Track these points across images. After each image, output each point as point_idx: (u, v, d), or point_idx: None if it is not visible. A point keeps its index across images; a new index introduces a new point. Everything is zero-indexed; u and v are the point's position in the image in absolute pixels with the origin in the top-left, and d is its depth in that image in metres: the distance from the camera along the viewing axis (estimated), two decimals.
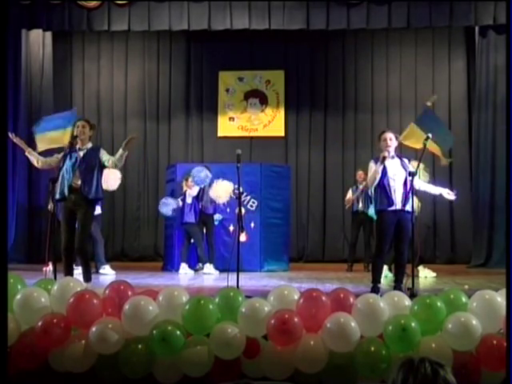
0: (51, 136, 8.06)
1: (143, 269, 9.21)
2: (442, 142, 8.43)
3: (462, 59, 11.33)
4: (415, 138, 8.71)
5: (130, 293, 4.55)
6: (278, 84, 11.72)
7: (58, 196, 6.22)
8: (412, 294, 5.48)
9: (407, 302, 4.56)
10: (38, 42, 10.80)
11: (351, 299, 4.51)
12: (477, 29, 10.46)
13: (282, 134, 11.70)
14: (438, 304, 4.41)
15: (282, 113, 11.73)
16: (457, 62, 11.36)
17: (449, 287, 6.90)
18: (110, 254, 9.48)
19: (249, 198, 9.27)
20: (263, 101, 11.77)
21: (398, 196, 6.24)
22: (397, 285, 6.26)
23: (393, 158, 6.34)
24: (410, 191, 6.22)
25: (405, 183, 6.23)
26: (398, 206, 6.22)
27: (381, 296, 4.72)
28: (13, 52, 9.60)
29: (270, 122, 11.75)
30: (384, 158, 6.25)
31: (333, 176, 11.40)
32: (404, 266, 6.38)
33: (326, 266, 10.40)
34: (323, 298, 4.45)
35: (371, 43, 11.57)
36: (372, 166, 6.37)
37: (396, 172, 6.26)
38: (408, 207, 6.18)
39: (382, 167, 6.28)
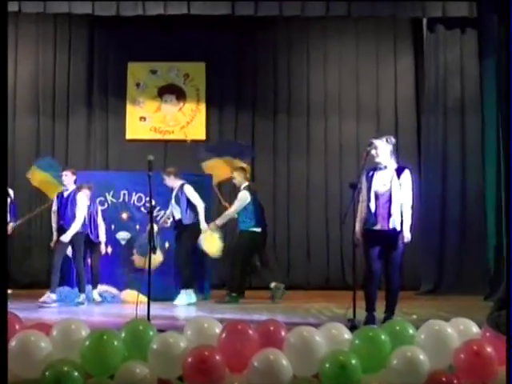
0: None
1: (34, 297, 8.98)
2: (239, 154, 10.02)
3: (409, 56, 11.60)
4: (219, 168, 9.99)
5: (17, 326, 4.46)
6: (199, 78, 11.73)
7: None
8: (353, 326, 5.57)
9: (347, 335, 4.64)
10: None
11: (282, 333, 4.55)
12: (424, 22, 10.79)
13: (203, 137, 11.69)
14: (382, 337, 4.51)
15: (202, 112, 11.73)
16: (403, 58, 11.60)
17: (395, 317, 7.04)
18: None
19: (162, 212, 9.20)
20: (180, 98, 11.75)
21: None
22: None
23: (382, 168, 6.71)
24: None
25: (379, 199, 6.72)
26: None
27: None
28: None
29: (189, 123, 11.74)
30: None
31: (263, 188, 11.26)
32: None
33: (253, 293, 10.39)
34: (250, 332, 4.47)
35: (307, 34, 11.72)
36: None
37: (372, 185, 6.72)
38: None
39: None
